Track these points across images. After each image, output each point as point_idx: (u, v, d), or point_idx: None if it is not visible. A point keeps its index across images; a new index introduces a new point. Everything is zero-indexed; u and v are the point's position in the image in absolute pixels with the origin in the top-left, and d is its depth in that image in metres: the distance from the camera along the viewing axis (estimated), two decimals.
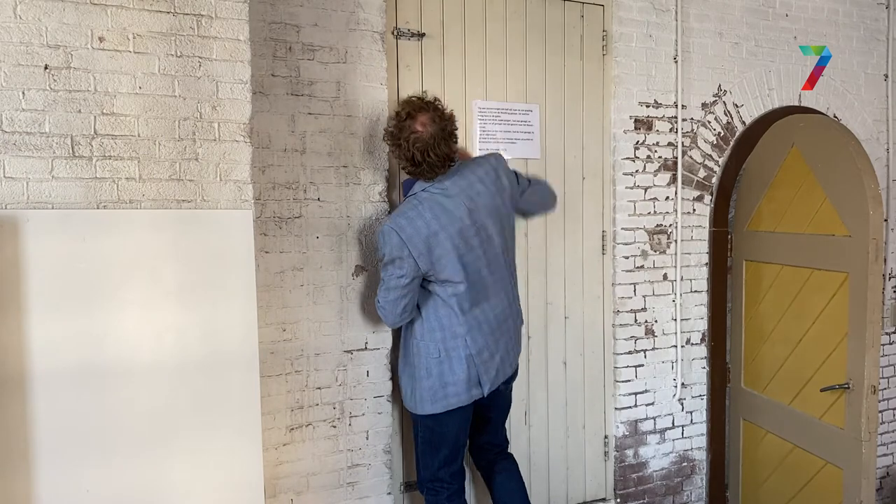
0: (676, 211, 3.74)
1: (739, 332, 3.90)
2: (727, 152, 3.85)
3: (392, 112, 2.64)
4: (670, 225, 3.74)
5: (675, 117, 3.70)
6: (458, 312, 2.69)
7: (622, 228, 3.62)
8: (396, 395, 3.13)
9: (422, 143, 2.57)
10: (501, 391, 2.92)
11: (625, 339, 3.67)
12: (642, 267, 3.68)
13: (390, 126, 2.68)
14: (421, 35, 3.15)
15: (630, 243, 3.65)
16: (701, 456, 3.93)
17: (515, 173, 2.87)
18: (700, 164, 3.79)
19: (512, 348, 2.87)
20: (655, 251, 3.71)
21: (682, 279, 3.77)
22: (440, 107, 2.65)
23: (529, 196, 2.91)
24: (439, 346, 2.71)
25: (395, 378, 3.12)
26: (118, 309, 2.17)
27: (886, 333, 4.27)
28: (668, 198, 3.72)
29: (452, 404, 2.73)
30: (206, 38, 2.29)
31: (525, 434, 3.52)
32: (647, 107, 3.64)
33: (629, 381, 3.69)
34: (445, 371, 2.72)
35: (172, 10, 2.24)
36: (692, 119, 3.76)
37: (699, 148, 3.78)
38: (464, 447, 2.91)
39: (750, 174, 3.80)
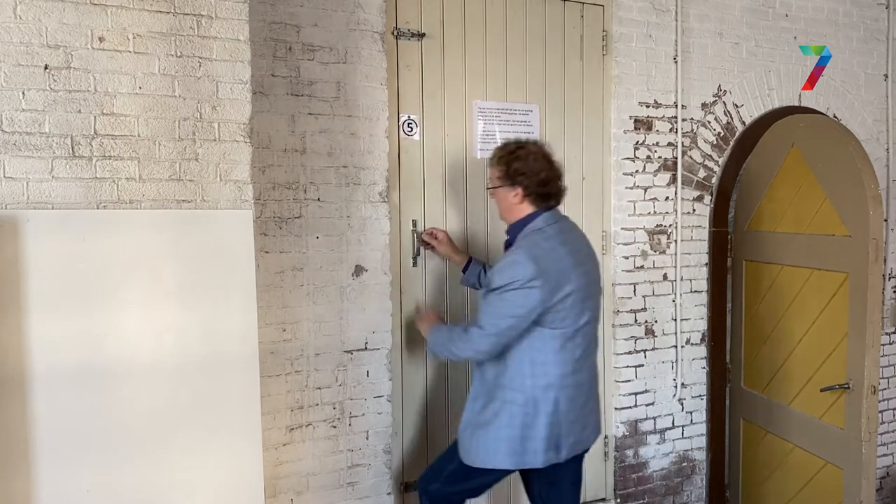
0: (676, 211, 3.74)
1: (739, 332, 3.90)
2: (727, 152, 3.85)
3: (494, 160, 2.61)
4: (670, 225, 3.74)
5: (675, 117, 3.70)
6: (561, 363, 2.47)
7: (622, 228, 3.62)
8: (396, 395, 3.14)
9: (546, 160, 2.55)
10: (575, 460, 2.66)
11: (625, 340, 3.67)
12: (642, 267, 3.68)
13: (504, 163, 2.55)
14: (421, 35, 3.15)
15: (630, 243, 3.65)
16: (701, 456, 3.93)
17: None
18: (700, 164, 3.79)
19: (596, 420, 2.68)
20: (655, 251, 3.71)
21: (682, 279, 3.77)
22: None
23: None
24: (528, 396, 2.47)
25: (394, 378, 3.13)
26: (118, 309, 2.17)
27: (886, 333, 4.27)
28: (667, 198, 3.72)
29: (528, 463, 2.51)
30: (206, 38, 2.29)
31: None
32: (647, 107, 3.64)
33: (629, 381, 3.69)
34: (529, 424, 2.47)
35: (172, 10, 2.24)
36: (692, 119, 3.75)
37: (699, 148, 3.78)
38: None
39: (750, 174, 3.80)
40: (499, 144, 2.67)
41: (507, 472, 2.63)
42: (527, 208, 2.54)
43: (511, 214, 2.59)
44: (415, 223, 3.16)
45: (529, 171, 2.50)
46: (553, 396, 2.47)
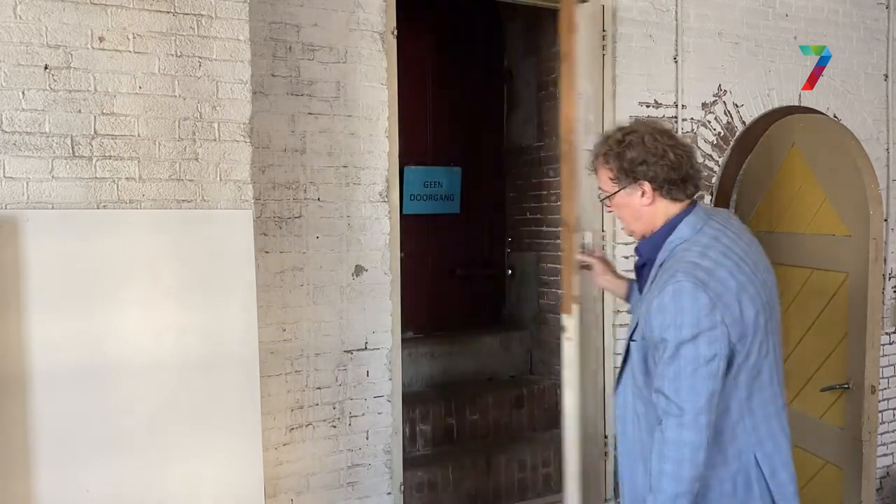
0: None
1: None
2: (727, 152, 3.85)
3: (598, 161, 1.92)
4: None
5: (676, 117, 3.70)
6: (754, 412, 1.79)
7: (622, 227, 3.61)
8: (396, 395, 3.14)
9: (663, 133, 1.85)
10: None
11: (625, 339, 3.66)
12: None
13: (614, 159, 1.86)
14: None
15: (630, 243, 3.65)
16: None
17: None
18: (700, 164, 3.78)
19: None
20: None
21: None
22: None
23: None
24: (733, 474, 1.77)
25: (394, 378, 3.12)
26: (118, 309, 2.17)
27: (886, 333, 4.26)
28: None
29: None
30: (206, 38, 2.29)
31: None
32: (648, 107, 3.63)
33: None
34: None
35: (172, 10, 2.24)
36: (692, 119, 3.75)
37: (699, 148, 3.78)
38: None
39: (750, 174, 3.80)
40: (597, 140, 1.96)
41: None
42: (662, 210, 1.85)
43: (643, 224, 1.89)
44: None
45: (650, 154, 1.81)
46: (760, 465, 1.81)
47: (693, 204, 1.87)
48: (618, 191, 1.87)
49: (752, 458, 1.76)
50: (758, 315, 1.75)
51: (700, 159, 3.78)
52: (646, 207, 1.85)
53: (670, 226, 1.84)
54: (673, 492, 1.68)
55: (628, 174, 1.83)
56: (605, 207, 2.00)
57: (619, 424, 1.97)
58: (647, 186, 1.83)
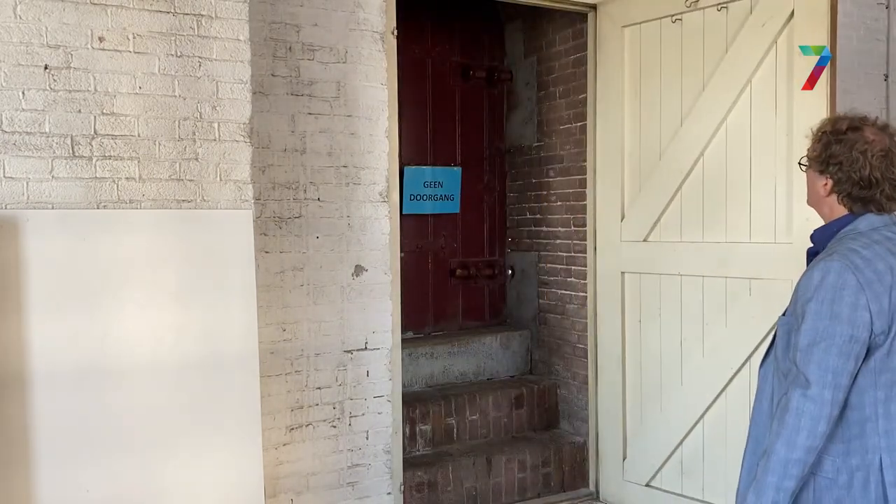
0: None
1: None
2: None
3: (816, 132, 1.94)
4: None
5: None
6: (891, 417, 1.76)
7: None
8: (396, 395, 3.13)
9: (882, 153, 1.81)
10: None
11: None
12: None
13: (823, 142, 1.89)
14: None
15: None
16: None
17: None
18: None
19: None
20: None
21: None
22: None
23: None
24: (853, 468, 1.76)
25: (394, 378, 3.12)
26: (118, 309, 2.17)
27: None
28: None
29: None
30: (206, 38, 2.28)
31: None
32: None
33: None
34: (845, 501, 1.77)
35: (172, 10, 2.24)
36: None
37: None
38: None
39: None
40: (838, 115, 1.99)
41: None
42: (838, 208, 1.88)
43: (819, 207, 1.94)
44: None
45: (849, 162, 1.81)
46: (878, 462, 1.77)
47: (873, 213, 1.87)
48: (809, 168, 1.92)
49: (878, 460, 1.75)
50: None
51: None
52: (822, 196, 1.89)
53: (847, 219, 1.86)
54: (785, 456, 1.71)
55: (822, 162, 1.86)
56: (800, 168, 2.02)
57: (756, 396, 1.98)
58: (829, 182, 1.86)
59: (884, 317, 1.71)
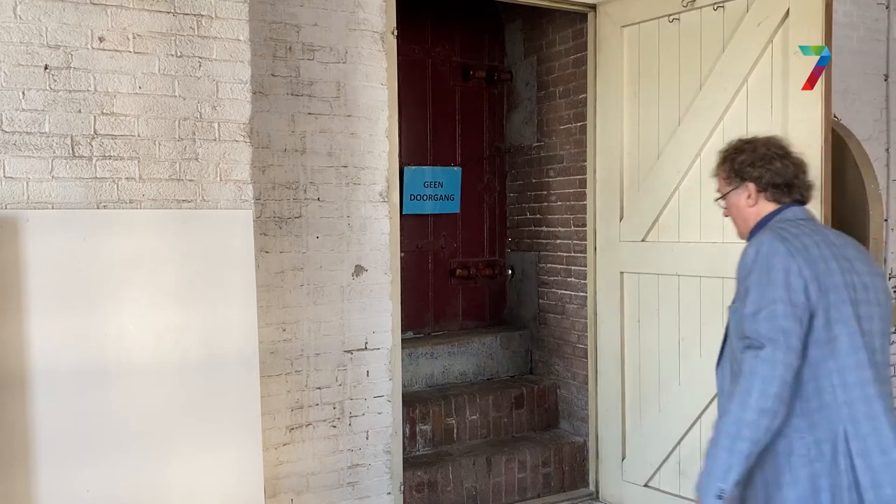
0: None
1: None
2: None
3: (717, 163, 2.10)
4: None
5: None
6: (848, 388, 1.79)
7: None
8: (396, 395, 3.13)
9: (781, 147, 2.01)
10: None
11: None
12: None
13: (728, 160, 2.05)
14: None
15: None
16: None
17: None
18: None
19: None
20: None
21: None
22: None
23: None
24: (819, 441, 1.79)
25: (394, 378, 3.12)
26: (118, 309, 2.17)
27: None
28: None
29: None
30: (206, 38, 2.29)
31: None
32: None
33: None
34: (822, 475, 1.80)
35: (172, 10, 2.24)
36: None
37: None
38: None
39: None
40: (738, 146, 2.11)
41: None
42: (766, 208, 1.99)
43: (745, 224, 2.04)
44: None
45: (758, 159, 1.98)
46: (842, 436, 1.81)
47: (800, 203, 2.00)
48: (729, 191, 2.04)
49: (843, 430, 1.79)
50: (851, 300, 1.81)
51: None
52: (749, 208, 2.00)
53: (774, 213, 1.98)
54: (738, 416, 1.74)
55: (736, 174, 2.01)
56: (722, 210, 2.14)
57: (718, 399, 2.02)
58: (751, 187, 1.98)
59: (815, 285, 1.78)
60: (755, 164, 1.98)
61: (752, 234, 2.00)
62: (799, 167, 2.00)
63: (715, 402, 3.19)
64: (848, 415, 1.78)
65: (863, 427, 1.78)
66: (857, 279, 1.85)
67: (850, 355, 1.80)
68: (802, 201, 2.00)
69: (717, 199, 2.11)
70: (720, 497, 1.74)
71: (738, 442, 1.74)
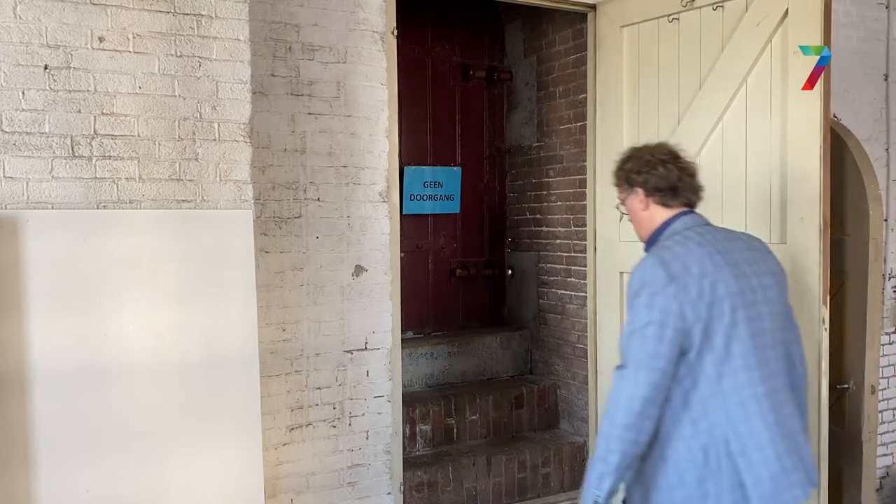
0: None
1: None
2: None
3: (613, 173, 2.22)
4: None
5: None
6: (724, 393, 1.91)
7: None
8: (396, 395, 3.13)
9: (667, 152, 2.12)
10: None
11: None
12: None
13: (618, 168, 2.18)
14: None
15: None
16: None
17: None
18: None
19: (806, 471, 2.00)
20: None
21: None
22: None
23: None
24: (705, 446, 1.92)
25: (394, 378, 3.12)
26: (118, 309, 2.17)
27: (886, 333, 4.26)
28: None
29: None
30: (206, 38, 2.29)
31: None
32: None
33: None
34: (708, 478, 1.92)
35: (172, 10, 2.24)
36: None
37: None
38: None
39: None
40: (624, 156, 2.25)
41: None
42: (658, 214, 2.10)
43: (643, 229, 2.15)
44: None
45: (643, 165, 2.09)
46: (732, 443, 1.93)
47: (690, 211, 2.10)
48: (624, 198, 2.17)
49: (722, 434, 1.91)
50: (732, 307, 1.92)
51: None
52: (643, 213, 2.12)
53: (666, 224, 2.09)
54: (607, 431, 1.91)
55: (626, 181, 2.14)
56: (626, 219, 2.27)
57: None
58: (640, 192, 2.11)
59: (693, 304, 1.90)
60: (640, 171, 2.10)
61: (650, 242, 2.12)
62: (684, 171, 2.10)
63: None
64: (727, 419, 1.90)
65: (740, 428, 1.90)
66: (744, 283, 1.96)
67: (733, 361, 1.91)
68: (691, 204, 2.11)
69: (617, 206, 2.23)
70: (596, 503, 1.90)
71: (609, 454, 1.89)
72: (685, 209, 2.10)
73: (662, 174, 2.07)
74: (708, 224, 2.10)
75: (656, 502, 1.98)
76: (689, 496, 1.92)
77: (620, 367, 1.94)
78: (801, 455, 1.99)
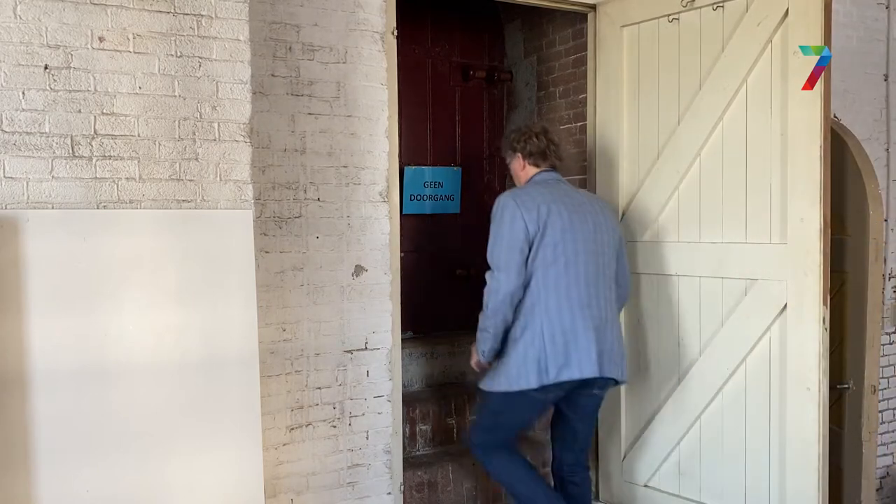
0: None
1: None
2: None
3: (515, 129, 3.09)
4: None
5: None
6: (545, 287, 2.73)
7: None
8: (396, 395, 3.14)
9: (539, 128, 2.99)
10: (586, 394, 2.90)
11: None
12: None
13: (504, 139, 3.13)
14: None
15: None
16: None
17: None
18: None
19: (616, 353, 2.87)
20: None
21: None
22: None
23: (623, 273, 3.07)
24: (535, 336, 2.74)
25: (394, 378, 3.12)
26: (118, 309, 2.17)
27: (886, 333, 4.26)
28: None
29: (522, 385, 2.77)
30: (206, 38, 2.29)
31: None
32: None
33: None
34: (527, 349, 2.75)
35: (172, 10, 2.24)
36: None
37: None
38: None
39: None
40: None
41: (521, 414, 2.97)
42: (530, 171, 2.95)
43: (520, 182, 3.00)
44: None
45: (522, 136, 2.95)
46: (540, 318, 2.76)
47: (551, 170, 2.95)
48: (510, 161, 3.04)
49: (540, 324, 2.75)
50: (562, 228, 2.76)
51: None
52: (521, 171, 2.99)
53: (532, 178, 2.95)
54: (485, 314, 2.83)
55: (510, 148, 3.02)
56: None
57: None
58: (519, 156, 2.98)
59: (534, 223, 2.74)
60: (520, 140, 2.96)
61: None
62: (551, 142, 2.96)
63: (714, 402, 3.23)
64: (544, 311, 2.74)
65: (553, 317, 2.74)
66: (575, 217, 2.81)
67: (553, 269, 2.74)
68: (555, 166, 2.97)
69: (507, 173, 3.21)
70: (483, 356, 2.89)
71: (484, 332, 2.84)
72: (549, 168, 2.94)
73: (535, 143, 2.93)
74: (561, 180, 2.95)
75: (512, 353, 2.79)
76: (518, 361, 2.76)
77: (490, 271, 2.78)
78: (599, 337, 2.78)
